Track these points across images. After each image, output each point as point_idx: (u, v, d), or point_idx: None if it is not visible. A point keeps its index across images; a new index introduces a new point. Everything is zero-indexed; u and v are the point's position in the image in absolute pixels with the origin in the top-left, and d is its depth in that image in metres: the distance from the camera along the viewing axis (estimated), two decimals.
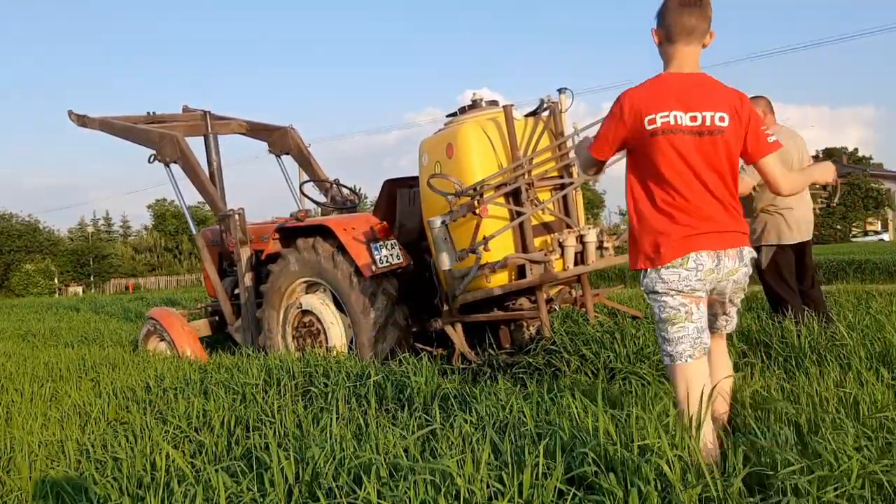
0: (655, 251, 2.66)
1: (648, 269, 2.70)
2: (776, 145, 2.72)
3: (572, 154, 5.23)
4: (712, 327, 2.84)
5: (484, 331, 5.64)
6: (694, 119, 2.59)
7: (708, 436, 2.56)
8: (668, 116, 2.58)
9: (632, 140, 2.69)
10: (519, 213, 5.04)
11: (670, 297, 2.66)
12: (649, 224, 2.69)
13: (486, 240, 4.82)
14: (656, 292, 2.69)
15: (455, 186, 4.77)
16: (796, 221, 4.82)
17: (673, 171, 2.62)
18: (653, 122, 2.59)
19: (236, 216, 6.82)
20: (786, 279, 4.86)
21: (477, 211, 4.78)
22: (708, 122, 2.60)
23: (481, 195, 4.81)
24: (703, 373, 2.68)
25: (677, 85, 2.64)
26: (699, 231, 2.63)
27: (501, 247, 5.01)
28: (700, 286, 2.65)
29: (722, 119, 2.61)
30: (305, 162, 8.34)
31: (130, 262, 54.28)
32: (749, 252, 2.78)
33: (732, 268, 2.70)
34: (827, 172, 3.08)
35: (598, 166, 2.93)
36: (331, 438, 2.98)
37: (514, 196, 5.07)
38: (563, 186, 5.29)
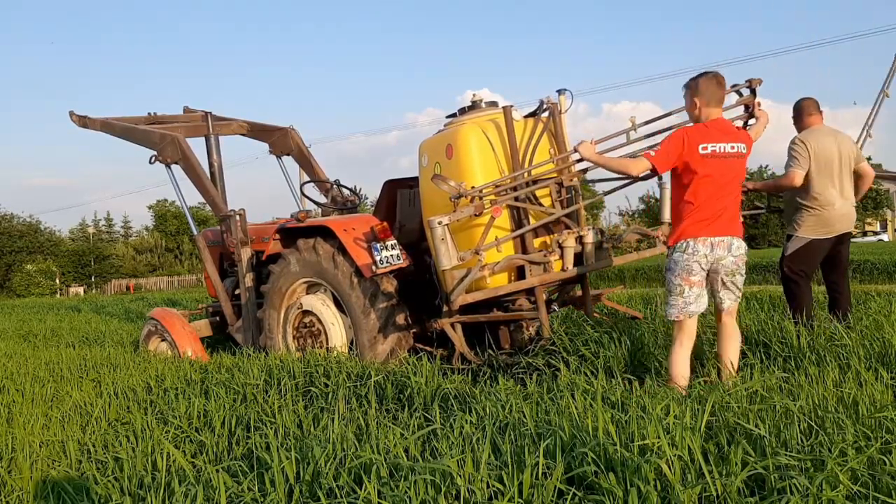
0: None
1: None
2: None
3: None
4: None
5: (483, 331, 5.65)
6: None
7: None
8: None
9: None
10: (523, 214, 5.05)
11: None
12: None
13: (498, 241, 4.87)
14: None
15: (457, 189, 4.78)
16: (831, 219, 4.98)
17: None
18: (705, 148, 3.82)
19: (237, 217, 6.83)
20: (803, 268, 5.06)
21: (486, 211, 4.80)
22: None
23: (482, 198, 4.82)
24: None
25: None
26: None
27: (502, 248, 5.02)
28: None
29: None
30: (306, 162, 8.35)
31: (131, 263, 54.30)
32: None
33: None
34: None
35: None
36: (331, 438, 2.98)
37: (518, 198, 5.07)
38: (560, 185, 5.29)
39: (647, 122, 5.10)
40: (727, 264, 3.85)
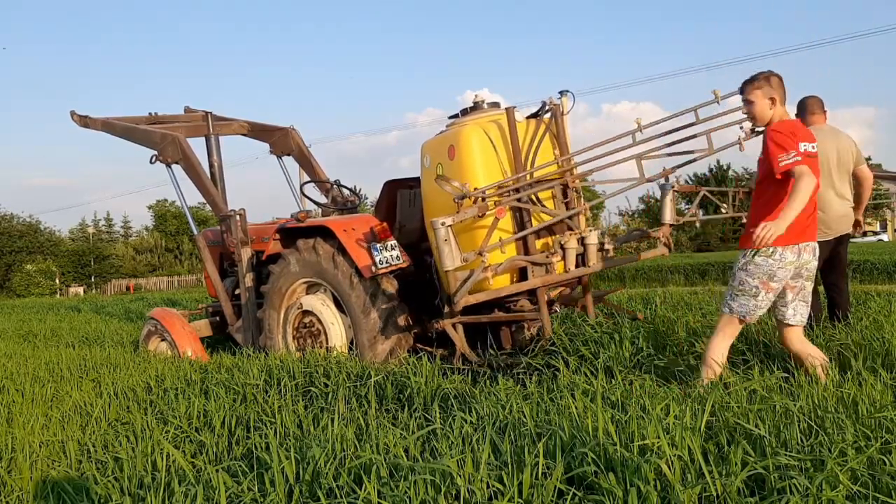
0: None
1: None
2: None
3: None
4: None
5: (485, 331, 5.65)
6: None
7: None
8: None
9: None
10: (526, 216, 5.06)
11: None
12: None
13: (502, 242, 4.87)
14: None
15: (460, 189, 4.78)
16: (829, 220, 4.94)
17: None
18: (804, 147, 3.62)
19: (237, 217, 6.83)
20: None
21: (489, 213, 4.80)
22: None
23: (485, 199, 4.82)
24: None
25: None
26: None
27: (505, 249, 5.02)
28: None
29: None
30: (306, 162, 8.36)
31: (131, 263, 54.30)
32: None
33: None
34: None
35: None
36: (331, 438, 2.98)
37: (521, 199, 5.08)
38: (565, 187, 5.30)
39: (652, 124, 5.07)
40: (810, 268, 3.76)
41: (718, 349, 3.76)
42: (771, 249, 3.64)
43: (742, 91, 3.84)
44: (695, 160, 5.17)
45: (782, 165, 3.54)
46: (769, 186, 3.73)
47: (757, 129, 4.72)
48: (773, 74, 3.78)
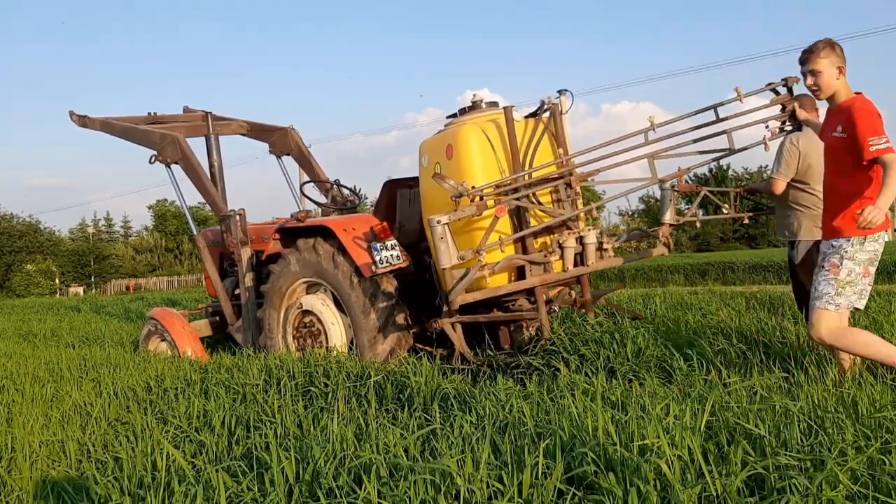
0: None
1: None
2: None
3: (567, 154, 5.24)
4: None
5: (483, 331, 5.65)
6: None
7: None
8: None
9: None
10: (524, 215, 5.06)
11: None
12: None
13: (501, 241, 4.87)
14: None
15: (459, 188, 4.77)
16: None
17: None
18: None
19: (237, 217, 6.83)
20: None
21: (488, 211, 4.79)
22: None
23: (482, 198, 4.81)
24: None
25: None
26: None
27: (504, 248, 5.02)
28: None
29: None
30: (306, 162, 8.35)
31: (131, 263, 54.32)
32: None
33: None
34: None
35: None
36: (331, 438, 2.98)
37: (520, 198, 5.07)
38: (565, 187, 5.29)
39: (666, 123, 5.01)
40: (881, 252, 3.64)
41: (876, 345, 3.49)
42: (878, 234, 3.54)
43: (804, 62, 3.63)
44: (715, 160, 5.10)
45: (874, 150, 3.40)
46: (850, 166, 3.56)
47: (786, 128, 4.62)
48: (836, 43, 3.61)
